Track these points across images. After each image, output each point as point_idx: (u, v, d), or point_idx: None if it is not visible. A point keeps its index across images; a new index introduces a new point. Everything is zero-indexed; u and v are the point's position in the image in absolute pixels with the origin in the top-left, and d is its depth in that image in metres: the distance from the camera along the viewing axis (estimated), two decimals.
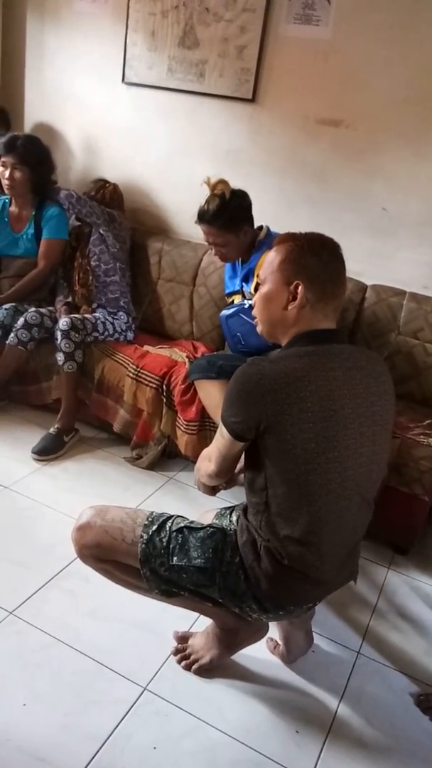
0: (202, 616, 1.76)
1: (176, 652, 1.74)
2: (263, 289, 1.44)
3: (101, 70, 3.10)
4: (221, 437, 1.40)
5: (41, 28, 3.20)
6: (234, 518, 1.54)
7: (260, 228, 2.37)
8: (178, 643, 1.76)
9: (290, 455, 1.30)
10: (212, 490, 1.67)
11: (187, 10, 2.78)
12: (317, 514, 1.34)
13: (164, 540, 1.47)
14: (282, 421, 1.28)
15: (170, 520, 1.51)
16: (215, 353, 2.56)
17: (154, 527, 1.49)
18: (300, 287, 1.37)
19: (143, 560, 1.46)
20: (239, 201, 2.26)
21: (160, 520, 1.51)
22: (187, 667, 1.70)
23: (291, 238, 1.42)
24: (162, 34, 2.88)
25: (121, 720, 1.54)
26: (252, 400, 1.30)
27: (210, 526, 1.51)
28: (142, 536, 1.47)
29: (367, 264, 2.74)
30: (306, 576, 1.39)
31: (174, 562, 1.45)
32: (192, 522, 1.53)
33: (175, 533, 1.47)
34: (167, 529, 1.49)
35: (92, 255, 2.86)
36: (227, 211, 2.21)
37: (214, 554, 1.44)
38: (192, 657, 1.71)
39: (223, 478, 1.56)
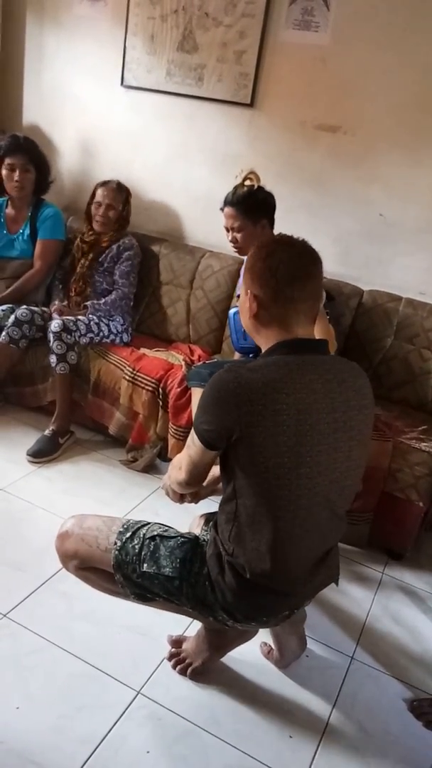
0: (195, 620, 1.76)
1: (171, 656, 1.73)
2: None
3: (100, 73, 3.10)
4: (193, 444, 1.36)
5: (41, 30, 3.20)
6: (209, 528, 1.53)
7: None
8: (173, 648, 1.76)
9: (261, 468, 1.26)
10: (180, 498, 1.65)
11: (187, 15, 2.79)
12: (283, 528, 1.31)
13: (137, 547, 1.46)
14: (255, 433, 1.24)
15: (145, 527, 1.51)
16: (218, 362, 2.53)
17: (128, 534, 1.49)
18: (251, 294, 1.34)
19: (116, 566, 1.47)
20: (266, 196, 2.32)
21: (135, 527, 1.51)
22: (182, 672, 1.69)
23: (253, 246, 1.40)
24: (161, 38, 2.88)
25: (115, 723, 1.53)
26: (226, 408, 1.25)
27: (182, 535, 1.49)
28: (115, 543, 1.47)
29: (364, 269, 2.75)
30: (270, 589, 1.38)
31: (144, 569, 1.44)
32: (167, 530, 1.51)
33: (147, 540, 1.47)
34: (141, 536, 1.48)
35: (98, 276, 2.86)
36: (252, 199, 2.28)
37: (182, 564, 1.43)
38: (186, 661, 1.71)
39: (193, 487, 1.53)
